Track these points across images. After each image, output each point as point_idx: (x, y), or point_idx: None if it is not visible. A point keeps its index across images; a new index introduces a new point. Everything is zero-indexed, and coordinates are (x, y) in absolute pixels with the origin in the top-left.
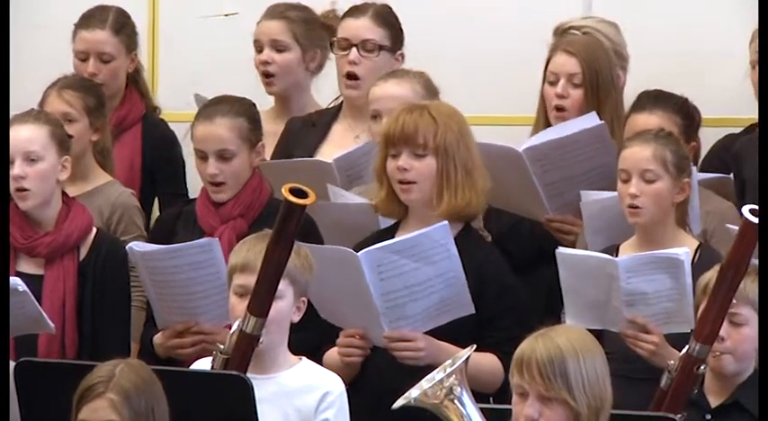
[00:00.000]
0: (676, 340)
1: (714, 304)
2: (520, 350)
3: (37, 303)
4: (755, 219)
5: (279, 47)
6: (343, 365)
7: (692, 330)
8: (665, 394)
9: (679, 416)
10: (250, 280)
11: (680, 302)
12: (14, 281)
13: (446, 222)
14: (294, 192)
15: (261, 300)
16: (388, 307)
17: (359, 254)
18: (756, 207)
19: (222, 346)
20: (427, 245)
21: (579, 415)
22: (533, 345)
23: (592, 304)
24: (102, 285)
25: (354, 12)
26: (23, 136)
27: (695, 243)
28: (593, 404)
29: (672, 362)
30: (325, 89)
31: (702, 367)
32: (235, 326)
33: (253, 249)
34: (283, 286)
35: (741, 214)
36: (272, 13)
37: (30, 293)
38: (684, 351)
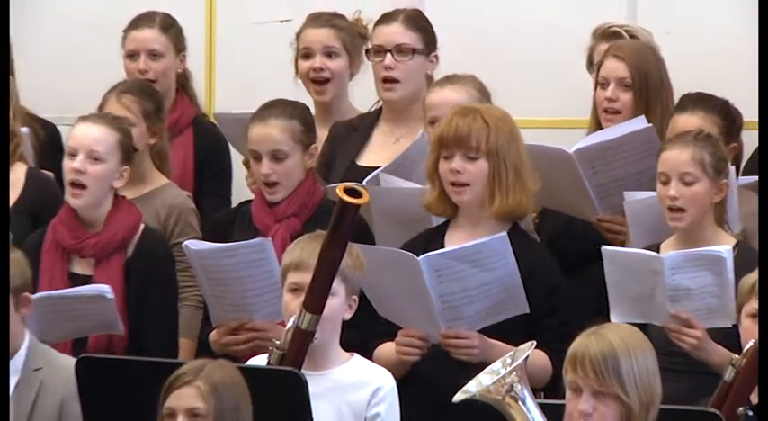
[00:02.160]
0: (717, 335)
1: None
2: (573, 347)
3: (115, 309)
4: None
5: (330, 53)
6: (396, 362)
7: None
8: (729, 386)
9: (741, 409)
10: (303, 277)
11: (722, 298)
12: (103, 288)
13: (505, 233)
14: (349, 191)
15: (316, 297)
16: (445, 308)
17: (419, 258)
18: None
19: (278, 342)
20: (486, 253)
21: (631, 409)
22: (586, 343)
23: (636, 299)
24: (145, 283)
25: (386, 18)
26: (92, 135)
27: (733, 241)
28: (645, 399)
29: (736, 356)
30: (358, 93)
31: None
32: (290, 323)
33: (306, 248)
34: (336, 284)
35: None
36: (319, 21)
37: (114, 300)
38: (751, 344)
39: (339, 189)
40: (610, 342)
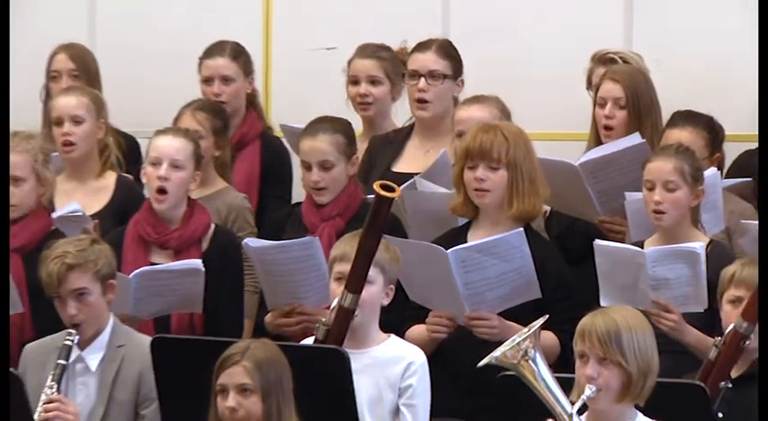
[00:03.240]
0: (691, 318)
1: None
2: (582, 323)
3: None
4: None
5: (374, 81)
6: (425, 340)
7: (704, 310)
8: (712, 364)
9: (722, 383)
10: (347, 268)
11: (696, 287)
12: (196, 262)
13: (522, 229)
14: (384, 187)
15: (356, 279)
16: (469, 294)
17: (448, 251)
18: None
19: (324, 319)
20: (505, 247)
21: (630, 376)
22: (594, 319)
23: (622, 287)
24: (221, 272)
25: (421, 47)
26: (174, 146)
27: (706, 239)
28: (643, 367)
29: (718, 337)
30: (401, 112)
31: (747, 342)
32: (334, 303)
33: (350, 243)
34: (374, 274)
35: None
36: (366, 52)
37: (204, 274)
38: (732, 327)
39: (376, 185)
40: (614, 318)
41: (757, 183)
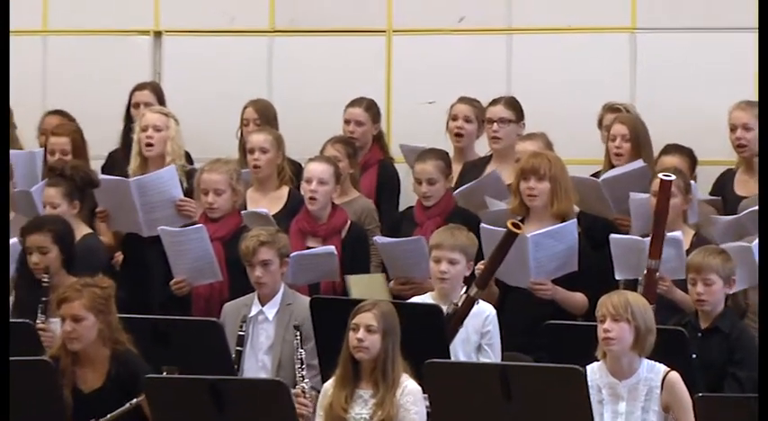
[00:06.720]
0: (675, 283)
1: (655, 237)
2: (601, 299)
3: (337, 262)
4: (666, 178)
5: (468, 120)
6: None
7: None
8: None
9: (653, 306)
10: (439, 253)
11: (679, 261)
12: (332, 248)
13: (575, 220)
14: (514, 224)
15: (483, 280)
16: (536, 266)
17: (528, 236)
18: (666, 175)
19: (455, 301)
20: (564, 232)
21: (639, 329)
22: (610, 296)
23: (630, 265)
24: (354, 252)
25: (494, 102)
26: (320, 169)
27: (692, 231)
28: (648, 326)
29: (640, 277)
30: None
31: (657, 273)
32: (463, 291)
33: (442, 235)
34: (459, 257)
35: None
36: (465, 100)
37: (337, 256)
38: (648, 267)
39: (509, 222)
40: (625, 295)
41: (722, 200)
